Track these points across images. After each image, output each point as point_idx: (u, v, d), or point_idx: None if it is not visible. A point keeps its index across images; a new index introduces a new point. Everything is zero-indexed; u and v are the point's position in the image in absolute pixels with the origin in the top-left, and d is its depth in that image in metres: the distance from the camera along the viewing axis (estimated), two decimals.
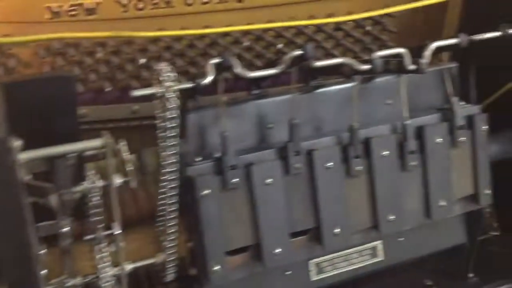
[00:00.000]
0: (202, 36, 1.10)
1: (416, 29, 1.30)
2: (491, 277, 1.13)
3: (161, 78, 0.71)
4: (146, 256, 0.88)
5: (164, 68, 0.71)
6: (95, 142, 0.73)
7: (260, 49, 1.13)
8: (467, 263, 1.11)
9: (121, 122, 1.08)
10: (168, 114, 0.73)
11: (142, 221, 1.01)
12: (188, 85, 0.73)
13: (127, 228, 1.00)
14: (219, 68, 0.75)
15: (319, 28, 1.19)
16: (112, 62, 1.03)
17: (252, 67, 1.12)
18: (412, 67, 0.84)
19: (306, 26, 1.18)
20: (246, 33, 1.13)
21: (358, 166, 0.90)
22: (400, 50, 0.84)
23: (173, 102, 0.73)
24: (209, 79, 0.74)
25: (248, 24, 1.12)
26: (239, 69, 0.76)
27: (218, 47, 1.11)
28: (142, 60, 1.03)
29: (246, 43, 1.11)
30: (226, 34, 1.11)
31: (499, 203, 1.21)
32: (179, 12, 1.05)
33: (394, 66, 0.85)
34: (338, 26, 1.20)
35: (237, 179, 0.82)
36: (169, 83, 0.72)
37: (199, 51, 1.10)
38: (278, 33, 1.15)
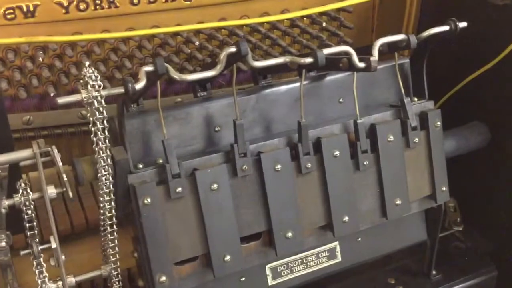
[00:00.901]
0: (151, 37, 1.07)
1: (374, 25, 1.29)
2: (455, 274, 1.12)
3: (88, 84, 0.68)
4: (99, 266, 0.85)
5: (88, 73, 0.68)
6: (24, 153, 0.69)
7: (212, 48, 1.10)
8: (429, 261, 1.09)
9: (69, 128, 1.05)
10: (97, 121, 0.70)
11: (91, 231, 0.99)
12: (116, 90, 0.69)
13: (76, 238, 0.98)
14: (154, 75, 0.71)
15: (274, 25, 1.17)
16: (55, 66, 0.99)
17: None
18: (361, 64, 0.82)
19: (260, 24, 1.15)
20: (197, 32, 1.10)
21: (308, 163, 0.86)
22: (347, 48, 0.81)
23: (101, 109, 0.69)
24: (141, 84, 0.70)
25: (199, 23, 1.09)
26: (175, 74, 0.72)
27: (168, 47, 1.08)
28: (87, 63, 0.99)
29: (198, 42, 1.07)
30: (176, 34, 1.08)
31: (462, 198, 1.20)
32: (124, 12, 1.01)
33: (345, 63, 0.82)
34: (293, 23, 1.18)
35: (181, 188, 0.79)
36: (94, 89, 0.68)
37: (148, 52, 1.06)
38: (231, 32, 1.12)
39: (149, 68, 0.72)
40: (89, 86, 0.68)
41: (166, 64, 0.71)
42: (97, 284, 1.07)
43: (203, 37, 1.11)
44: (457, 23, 0.88)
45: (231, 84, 1.08)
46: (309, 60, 0.79)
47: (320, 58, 0.78)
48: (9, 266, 0.81)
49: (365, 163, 0.91)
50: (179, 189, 0.79)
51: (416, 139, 0.95)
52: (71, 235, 0.94)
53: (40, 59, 0.97)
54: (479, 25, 0.98)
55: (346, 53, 0.80)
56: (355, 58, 0.79)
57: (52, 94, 0.99)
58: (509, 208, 1.14)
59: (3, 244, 0.76)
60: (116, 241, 0.79)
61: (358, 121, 0.89)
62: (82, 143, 1.08)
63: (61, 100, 0.67)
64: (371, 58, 0.79)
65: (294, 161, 0.86)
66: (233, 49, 0.76)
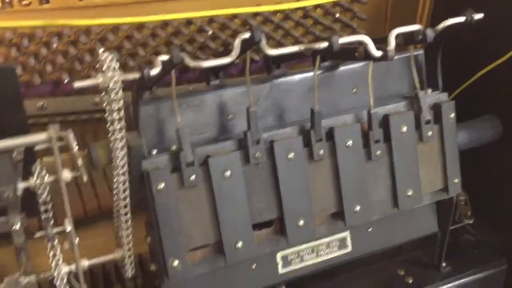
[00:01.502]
0: (165, 25, 1.07)
1: (388, 16, 1.28)
2: (464, 266, 1.12)
3: (104, 68, 0.68)
4: (111, 251, 0.86)
5: (107, 57, 0.68)
6: (40, 136, 0.70)
7: (225, 37, 1.10)
8: (440, 253, 1.09)
9: (82, 115, 1.05)
10: (113, 106, 0.70)
11: (105, 216, 0.99)
12: (133, 75, 0.70)
13: (90, 223, 0.98)
14: (170, 64, 0.72)
15: (287, 15, 1.17)
16: (70, 53, 1.00)
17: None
18: (378, 53, 0.82)
19: (273, 14, 1.15)
20: (210, 20, 1.10)
21: (321, 150, 0.86)
22: (363, 37, 0.81)
23: (117, 94, 0.69)
24: (156, 71, 0.70)
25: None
26: (190, 61, 0.72)
27: (181, 36, 1.08)
28: (101, 50, 1.00)
29: (211, 31, 1.08)
30: (189, 22, 1.08)
31: (473, 191, 1.20)
32: (138, 0, 1.02)
33: (361, 53, 0.82)
34: (306, 14, 1.18)
35: (194, 176, 0.79)
36: (111, 73, 0.68)
37: (161, 40, 1.06)
38: (245, 22, 1.12)
39: (165, 57, 0.72)
40: (105, 70, 0.68)
41: (181, 53, 0.71)
42: (108, 269, 1.08)
43: (216, 26, 1.11)
44: (473, 15, 0.88)
45: (243, 74, 1.09)
46: (324, 45, 0.78)
47: (335, 43, 0.78)
48: (23, 248, 0.81)
49: (377, 153, 0.91)
50: (192, 177, 0.80)
51: (430, 133, 0.95)
52: (84, 220, 0.95)
53: (55, 45, 0.98)
54: (494, 17, 0.97)
55: (362, 42, 0.80)
56: (371, 47, 0.79)
57: (66, 81, 1.00)
58: None
59: (18, 226, 0.77)
60: (130, 225, 0.80)
61: (371, 111, 0.89)
62: (95, 130, 1.08)
63: (77, 84, 0.68)
64: (388, 48, 0.78)
65: (306, 147, 0.86)
66: (247, 35, 0.76)
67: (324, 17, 1.19)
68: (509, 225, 1.17)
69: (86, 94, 1.04)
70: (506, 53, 1.07)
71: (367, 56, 0.80)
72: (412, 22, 1.27)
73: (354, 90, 0.96)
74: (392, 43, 0.80)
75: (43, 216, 0.76)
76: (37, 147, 0.84)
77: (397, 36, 0.84)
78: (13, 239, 0.80)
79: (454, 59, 1.05)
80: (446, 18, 0.91)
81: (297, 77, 0.92)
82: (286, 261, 0.95)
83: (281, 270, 0.94)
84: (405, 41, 0.88)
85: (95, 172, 0.90)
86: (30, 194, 0.78)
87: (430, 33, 0.85)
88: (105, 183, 0.99)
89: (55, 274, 0.77)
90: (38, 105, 1.01)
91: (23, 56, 0.98)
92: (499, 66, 1.09)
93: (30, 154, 0.77)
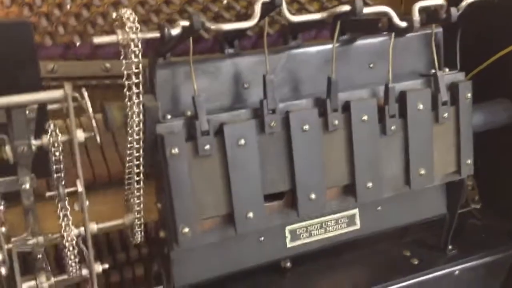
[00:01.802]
0: None
1: None
2: (470, 250, 1.11)
3: (127, 26, 0.66)
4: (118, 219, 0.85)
5: (128, 14, 0.66)
6: (56, 93, 0.68)
7: (240, 8, 1.08)
8: (447, 235, 1.09)
9: (92, 80, 1.04)
10: (133, 66, 0.68)
11: (114, 183, 0.98)
12: (152, 34, 0.68)
13: (98, 189, 0.97)
14: (190, 30, 0.70)
15: None
16: (82, 15, 0.98)
17: None
18: (403, 24, 0.80)
19: None
20: None
21: (336, 121, 0.85)
22: (386, 8, 0.80)
23: (137, 49, 0.68)
24: (176, 31, 0.68)
25: None
26: (212, 25, 0.71)
27: (196, 4, 1.06)
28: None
29: (226, 1, 1.06)
30: None
31: (480, 176, 1.19)
32: None
33: (385, 23, 0.80)
34: None
35: (209, 146, 0.78)
36: (133, 30, 0.66)
37: (175, 7, 1.05)
38: None
39: (185, 23, 0.70)
40: (126, 28, 0.66)
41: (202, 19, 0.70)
42: (112, 238, 1.07)
43: None
44: None
45: (256, 47, 1.08)
46: (346, 8, 0.77)
47: (358, 7, 0.76)
48: (32, 210, 0.80)
49: (392, 127, 0.90)
50: (207, 147, 0.78)
51: (446, 114, 0.94)
52: (93, 186, 0.94)
53: (68, 6, 0.96)
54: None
55: (386, 14, 0.78)
56: (396, 18, 0.78)
57: (77, 44, 0.98)
58: None
59: (27, 186, 0.75)
60: (141, 190, 0.79)
61: (389, 85, 0.88)
62: (104, 96, 1.07)
63: (97, 40, 0.66)
64: (414, 18, 0.77)
65: (321, 117, 0.85)
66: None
67: None
68: None
69: (97, 59, 1.02)
70: None
71: (391, 27, 0.78)
72: None
73: (371, 65, 0.94)
74: (416, 14, 0.79)
75: (55, 175, 0.74)
76: (50, 107, 0.83)
77: (420, 13, 0.83)
78: (21, 199, 0.79)
79: (470, 40, 1.03)
80: None
81: (314, 49, 0.90)
82: (294, 235, 0.94)
83: (289, 244, 0.94)
84: (428, 19, 0.87)
85: (106, 135, 0.88)
86: (40, 156, 0.76)
87: (454, 12, 0.84)
88: (114, 149, 0.98)
89: (65, 235, 0.75)
90: (49, 68, 0.99)
91: (35, 16, 0.96)
92: None
93: (43, 113, 0.76)
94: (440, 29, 0.97)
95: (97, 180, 0.95)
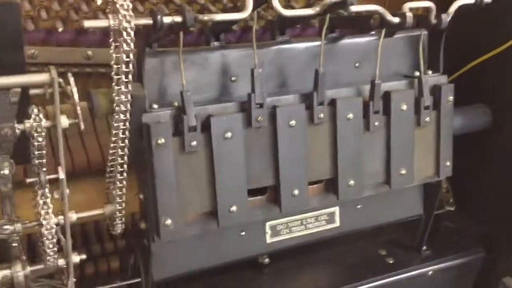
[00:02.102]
0: None
1: None
2: (444, 251, 1.13)
3: (121, 15, 0.65)
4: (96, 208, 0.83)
5: (121, 1, 0.65)
6: (42, 77, 0.67)
7: (226, 2, 1.08)
8: (422, 236, 1.10)
9: (73, 67, 1.01)
10: (123, 52, 0.67)
11: (92, 173, 0.96)
12: (143, 21, 0.67)
13: (76, 177, 0.95)
14: (182, 25, 0.69)
15: None
16: (66, 1, 0.96)
17: None
18: (396, 19, 0.81)
19: None
20: None
21: (321, 114, 0.86)
22: (377, 7, 0.80)
23: (129, 38, 0.66)
24: (168, 19, 0.67)
25: None
26: (204, 16, 0.70)
27: None
28: (99, 1, 0.96)
29: None
30: None
31: (454, 179, 1.22)
32: None
33: (377, 19, 0.81)
34: None
35: (195, 142, 0.77)
36: (125, 12, 0.65)
37: None
38: None
39: (178, 19, 0.69)
40: (119, 16, 0.65)
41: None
42: (87, 229, 1.05)
43: None
44: None
45: (241, 41, 1.07)
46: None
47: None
48: (9, 197, 0.78)
49: (376, 123, 0.91)
50: (194, 143, 0.78)
51: (427, 119, 0.95)
52: (71, 174, 0.91)
53: None
54: (492, 8, 0.97)
55: (377, 12, 0.79)
56: (387, 14, 0.78)
57: (60, 29, 0.96)
58: (501, 193, 1.16)
59: (6, 171, 0.73)
60: (124, 179, 0.77)
61: (376, 81, 0.88)
62: (84, 84, 1.05)
63: (87, 24, 0.64)
64: (407, 14, 0.78)
65: (307, 110, 0.85)
66: None
67: None
68: (488, 216, 1.19)
69: (79, 46, 1.00)
70: (501, 45, 1.08)
71: (383, 23, 0.79)
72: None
73: (357, 64, 0.95)
74: (408, 10, 0.80)
75: (36, 161, 0.72)
76: (32, 92, 0.80)
77: (411, 19, 0.84)
78: None
79: (451, 44, 1.05)
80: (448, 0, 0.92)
81: (302, 45, 0.90)
82: (275, 231, 0.94)
83: (269, 239, 0.94)
84: (418, 24, 0.88)
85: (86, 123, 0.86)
86: (20, 141, 0.74)
87: (445, 18, 0.85)
88: (95, 138, 0.96)
89: (44, 223, 0.74)
90: (29, 53, 0.96)
91: None
92: (493, 57, 1.10)
93: (26, 97, 0.74)
94: (425, 32, 0.99)
95: (76, 169, 0.93)
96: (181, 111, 0.77)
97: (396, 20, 0.79)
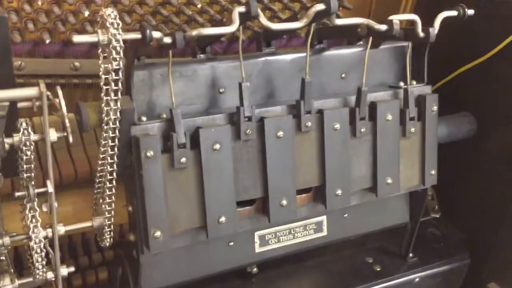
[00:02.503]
0: None
1: (372, 8, 1.30)
2: (430, 258, 1.15)
3: (107, 25, 0.65)
4: (82, 220, 0.83)
5: (110, 13, 0.65)
6: (30, 91, 0.67)
7: (213, 13, 1.08)
8: (408, 243, 1.12)
9: (60, 79, 1.01)
10: (112, 65, 0.67)
11: (78, 184, 0.96)
12: (132, 35, 0.67)
13: (63, 190, 0.95)
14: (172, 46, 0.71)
15: None
16: (53, 13, 0.96)
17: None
18: (383, 27, 0.83)
19: None
20: None
21: (308, 122, 0.86)
22: (363, 19, 0.82)
23: (118, 52, 0.67)
24: (157, 34, 0.68)
25: None
26: (193, 32, 0.71)
27: (169, 6, 1.06)
28: (86, 13, 0.96)
29: (200, 5, 1.06)
30: None
31: (439, 187, 1.23)
32: None
33: (364, 28, 0.82)
34: None
35: (185, 159, 0.78)
36: (114, 31, 0.66)
37: (149, 9, 1.04)
38: None
39: (167, 40, 0.70)
40: (107, 24, 0.65)
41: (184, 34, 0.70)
42: (88, 239, 1.05)
43: (205, 1, 1.09)
44: (466, 9, 0.90)
45: (227, 52, 1.08)
46: (321, 7, 0.78)
47: (333, 5, 0.77)
48: None
49: (362, 130, 0.92)
50: (183, 159, 0.78)
51: (413, 129, 0.97)
52: (59, 187, 0.91)
53: (39, 3, 0.94)
54: (474, 18, 0.99)
55: (362, 24, 0.80)
56: (374, 24, 0.80)
57: (47, 41, 0.96)
58: (485, 200, 1.18)
59: None
60: (113, 191, 0.77)
61: (362, 89, 0.89)
62: (72, 96, 1.04)
63: (77, 39, 0.65)
64: (394, 21, 0.79)
65: (295, 118, 0.86)
66: (242, 8, 0.75)
67: (311, 2, 1.19)
68: (472, 222, 1.21)
69: (66, 57, 1.00)
70: (484, 54, 1.10)
71: (370, 31, 0.80)
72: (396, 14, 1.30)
73: (343, 75, 0.96)
74: (396, 21, 0.81)
75: (25, 175, 0.72)
76: (20, 105, 0.80)
77: (399, 31, 0.85)
78: None
79: (435, 54, 1.07)
80: (430, 12, 0.93)
81: (289, 56, 0.91)
82: (263, 241, 0.94)
83: (258, 249, 0.94)
84: (406, 37, 0.90)
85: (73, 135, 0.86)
86: (9, 153, 0.74)
87: (433, 32, 0.87)
88: (82, 150, 0.96)
89: (33, 236, 0.73)
90: (16, 64, 0.96)
91: (5, 10, 0.93)
92: (475, 67, 1.12)
93: (14, 111, 0.73)
94: (409, 43, 1.00)
95: (64, 181, 0.93)
96: (171, 129, 0.77)
97: (383, 28, 0.81)
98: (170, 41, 0.70)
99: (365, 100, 0.90)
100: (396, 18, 0.85)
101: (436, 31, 0.87)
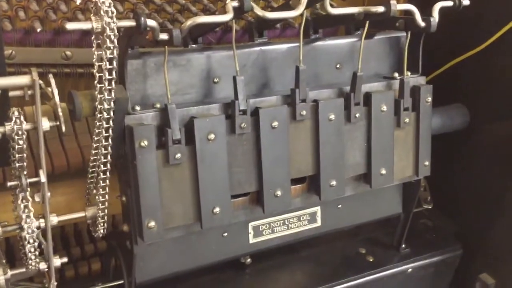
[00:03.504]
0: None
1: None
2: (422, 249, 1.15)
3: (101, 13, 0.64)
4: (75, 211, 0.82)
5: (104, 1, 0.64)
6: (22, 79, 0.66)
7: (207, 2, 1.07)
8: (401, 234, 1.12)
9: (51, 68, 1.00)
10: (106, 54, 0.66)
11: (70, 174, 0.95)
12: (129, 23, 0.66)
13: (55, 180, 0.94)
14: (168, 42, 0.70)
15: None
16: (45, 1, 0.95)
17: None
18: (380, 9, 0.83)
19: None
20: None
21: (303, 111, 0.86)
22: (360, 7, 0.81)
23: (112, 40, 0.66)
24: (151, 22, 0.67)
25: None
26: (188, 21, 0.70)
27: None
28: (78, 1, 0.95)
29: None
30: None
31: (431, 178, 1.24)
32: None
33: (360, 14, 0.82)
34: None
35: (180, 155, 0.77)
36: (108, 18, 0.65)
37: None
38: None
39: (164, 36, 0.69)
40: (101, 12, 0.64)
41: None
42: (80, 230, 1.04)
43: None
44: (461, 0, 0.90)
45: (221, 42, 1.07)
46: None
47: None
48: None
49: (356, 115, 0.91)
50: (178, 155, 0.78)
51: (407, 120, 0.97)
52: (51, 177, 0.90)
53: None
54: (469, 9, 0.99)
55: (357, 12, 0.80)
56: (369, 9, 0.79)
57: (38, 30, 0.94)
58: (477, 191, 1.18)
59: None
60: (107, 182, 0.77)
61: (358, 74, 0.89)
62: (63, 85, 1.03)
63: (70, 26, 0.64)
64: (391, 1, 0.79)
65: (289, 107, 0.86)
66: (236, 3, 0.74)
67: None
68: (464, 214, 1.22)
69: (58, 46, 0.99)
70: (477, 46, 1.10)
71: (366, 15, 0.80)
72: None
73: (338, 66, 0.96)
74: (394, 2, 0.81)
75: (17, 165, 0.71)
76: (11, 93, 0.79)
77: (399, 21, 0.85)
78: None
79: (429, 45, 1.07)
80: (422, 2, 0.93)
81: (284, 46, 0.91)
82: (257, 231, 0.94)
83: (252, 240, 0.94)
84: (406, 27, 0.89)
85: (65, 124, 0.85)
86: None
87: (434, 22, 0.87)
88: (74, 139, 0.95)
89: (25, 226, 0.72)
90: (7, 53, 0.94)
91: None
92: (470, 58, 1.13)
93: (5, 99, 0.72)
94: (404, 33, 1.00)
95: (56, 171, 0.92)
96: (165, 123, 0.77)
97: (380, 9, 0.80)
98: (167, 38, 0.69)
99: (360, 85, 0.90)
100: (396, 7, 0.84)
101: (436, 21, 0.87)
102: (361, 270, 1.07)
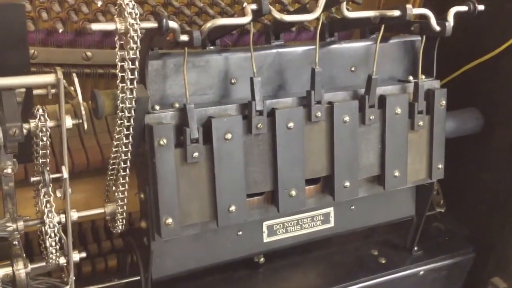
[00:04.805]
0: None
1: (381, 3, 1.30)
2: (435, 252, 1.16)
3: (125, 14, 0.66)
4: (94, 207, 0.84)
5: (128, 3, 0.66)
6: (47, 78, 0.68)
7: (224, 6, 1.09)
8: (413, 237, 1.13)
9: (72, 68, 1.02)
10: (129, 54, 0.68)
11: (90, 172, 0.98)
12: (149, 24, 0.68)
13: (75, 178, 0.96)
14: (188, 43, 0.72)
15: None
16: (67, 2, 0.97)
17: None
18: (396, 13, 0.84)
19: None
20: None
21: (318, 112, 0.87)
22: (375, 11, 0.83)
23: (135, 41, 0.68)
24: (173, 24, 0.69)
25: None
26: (207, 24, 0.72)
27: None
28: (99, 3, 0.97)
29: None
30: None
31: (444, 181, 1.24)
32: None
33: (376, 18, 0.83)
34: None
35: (197, 154, 0.79)
36: (132, 20, 0.67)
37: (161, 0, 1.04)
38: None
39: (184, 37, 0.71)
40: (125, 13, 0.66)
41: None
42: (97, 227, 1.06)
43: None
44: (476, 5, 0.91)
45: (237, 44, 1.09)
46: None
47: None
48: (10, 195, 0.79)
49: (371, 117, 0.93)
50: (195, 154, 0.79)
51: (421, 123, 0.98)
52: (70, 175, 0.92)
53: None
54: (484, 15, 1.00)
55: (373, 16, 0.82)
56: (385, 13, 0.81)
57: (60, 30, 0.97)
58: (489, 195, 1.19)
59: (9, 170, 0.74)
60: (127, 179, 0.79)
61: (373, 76, 0.90)
62: (84, 85, 1.05)
63: (95, 27, 0.66)
64: (407, 6, 0.80)
65: (305, 108, 0.87)
66: (254, 6, 0.76)
67: None
68: (477, 217, 1.22)
69: (79, 47, 1.01)
70: (492, 51, 1.11)
71: (382, 19, 0.81)
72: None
73: (353, 69, 0.97)
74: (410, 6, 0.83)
75: (40, 161, 0.73)
76: (34, 92, 0.81)
77: (414, 25, 0.86)
78: (1, 184, 0.78)
79: (444, 50, 1.08)
80: (437, 8, 0.94)
81: (300, 49, 0.92)
82: (271, 231, 0.96)
83: (266, 239, 0.95)
84: (421, 31, 0.91)
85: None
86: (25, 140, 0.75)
87: (449, 26, 0.88)
88: (94, 138, 0.97)
89: (47, 221, 0.75)
90: (29, 53, 0.97)
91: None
92: (484, 63, 1.13)
93: (29, 97, 0.75)
94: (419, 37, 1.01)
95: (76, 169, 0.94)
96: (184, 122, 0.79)
97: (396, 13, 0.82)
98: (187, 39, 0.71)
99: (375, 87, 0.91)
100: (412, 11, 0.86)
101: (452, 25, 0.88)
102: (373, 271, 1.08)
